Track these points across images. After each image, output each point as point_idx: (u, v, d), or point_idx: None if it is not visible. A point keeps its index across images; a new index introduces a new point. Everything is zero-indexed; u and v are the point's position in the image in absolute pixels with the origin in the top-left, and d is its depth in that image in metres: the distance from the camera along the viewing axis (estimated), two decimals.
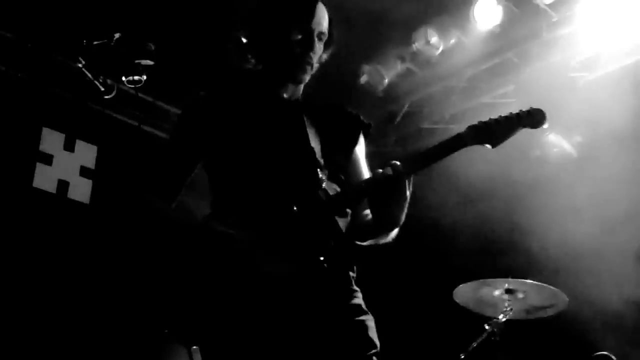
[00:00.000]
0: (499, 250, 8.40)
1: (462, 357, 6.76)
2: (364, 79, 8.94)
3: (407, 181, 3.40)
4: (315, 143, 3.69)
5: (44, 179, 7.78)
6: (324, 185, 3.57)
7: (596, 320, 7.66)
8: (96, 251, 7.64)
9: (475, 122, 3.47)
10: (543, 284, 6.88)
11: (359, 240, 3.74)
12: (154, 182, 3.76)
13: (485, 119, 3.47)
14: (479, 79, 9.03)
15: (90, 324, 7.30)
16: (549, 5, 7.94)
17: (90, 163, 8.17)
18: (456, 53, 8.63)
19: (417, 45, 8.54)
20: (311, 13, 3.73)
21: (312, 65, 3.76)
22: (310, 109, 3.85)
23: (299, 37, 3.69)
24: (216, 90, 3.88)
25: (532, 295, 6.97)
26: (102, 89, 5.98)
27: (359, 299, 3.61)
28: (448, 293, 7.21)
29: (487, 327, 6.87)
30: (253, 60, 3.87)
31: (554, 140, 8.44)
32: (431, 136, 9.56)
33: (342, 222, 3.62)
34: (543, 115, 3.46)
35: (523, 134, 3.50)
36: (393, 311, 7.03)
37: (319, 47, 3.76)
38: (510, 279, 6.90)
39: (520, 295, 6.96)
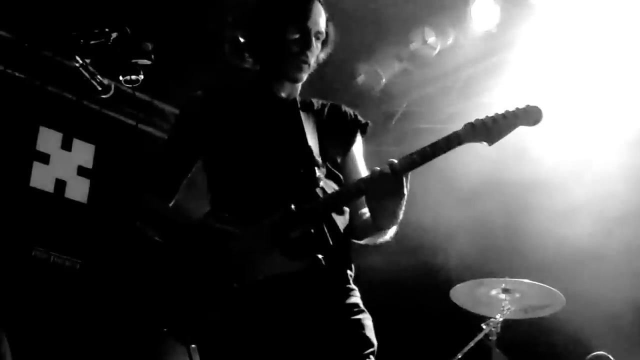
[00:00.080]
0: (496, 250, 8.41)
1: (459, 356, 6.77)
2: (361, 78, 8.93)
3: (404, 179, 3.40)
4: (312, 142, 3.69)
5: (41, 178, 7.78)
6: (321, 183, 3.58)
7: (593, 320, 7.67)
8: (94, 250, 7.64)
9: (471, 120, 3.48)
10: (540, 284, 6.89)
11: (356, 239, 3.76)
12: (152, 181, 3.78)
13: (482, 116, 3.47)
14: (476, 78, 9.02)
15: (89, 323, 7.30)
16: (546, 6, 7.93)
17: (88, 162, 8.18)
18: (453, 53, 8.62)
19: (415, 45, 8.54)
20: (308, 12, 3.74)
21: (309, 65, 3.76)
22: (307, 108, 3.86)
23: (297, 36, 3.70)
24: (214, 89, 3.88)
25: (529, 294, 6.97)
26: (99, 88, 5.97)
27: (356, 298, 3.61)
28: (445, 292, 7.22)
29: (484, 326, 6.88)
30: (250, 60, 3.87)
31: (552, 140, 8.44)
32: (428, 136, 9.46)
33: (339, 221, 3.63)
34: (540, 113, 3.47)
35: (520, 135, 3.51)
36: (390, 310, 7.02)
37: (316, 46, 3.76)
38: (507, 279, 6.91)
39: (517, 295, 6.97)
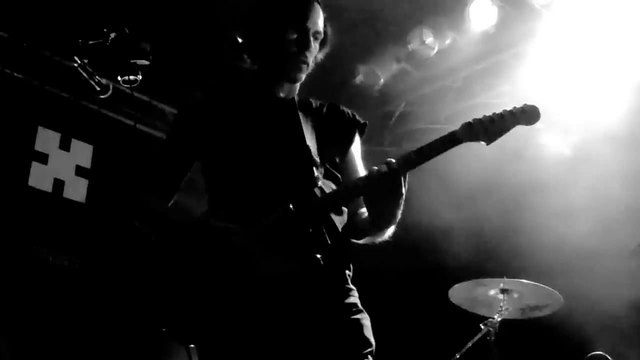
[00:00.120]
0: (495, 250, 8.41)
1: (458, 356, 6.77)
2: (359, 79, 8.94)
3: (402, 178, 3.40)
4: (311, 142, 3.70)
5: (40, 178, 7.78)
6: (319, 183, 3.58)
7: (591, 320, 7.67)
8: (92, 250, 7.65)
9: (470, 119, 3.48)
10: (538, 284, 6.89)
11: (355, 238, 3.76)
12: (151, 181, 3.79)
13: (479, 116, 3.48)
14: (474, 79, 9.03)
15: (88, 323, 7.30)
16: (544, 6, 7.94)
17: (86, 162, 8.18)
18: (451, 53, 8.64)
19: (413, 45, 8.55)
20: (307, 12, 3.74)
21: (307, 65, 3.76)
22: (306, 108, 3.87)
23: (295, 36, 3.70)
24: (213, 90, 3.89)
25: (527, 295, 6.98)
26: (98, 89, 5.97)
27: (354, 298, 3.62)
28: (443, 293, 7.22)
29: (482, 326, 6.88)
30: (249, 60, 3.88)
31: (549, 141, 8.45)
32: (426, 136, 9.50)
33: (338, 220, 3.63)
34: (537, 113, 3.47)
35: (519, 134, 3.51)
36: (389, 310, 7.02)
37: (314, 46, 3.76)
38: (505, 279, 6.91)
39: (516, 295, 6.97)
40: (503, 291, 6.95)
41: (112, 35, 5.51)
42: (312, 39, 3.73)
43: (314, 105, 3.91)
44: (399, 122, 9.82)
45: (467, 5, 8.10)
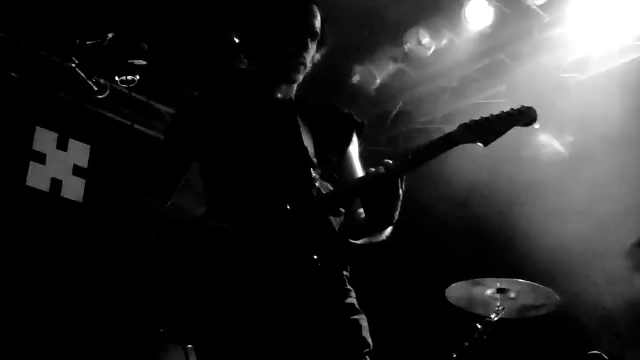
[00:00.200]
0: (492, 250, 8.42)
1: (455, 356, 6.78)
2: (356, 78, 8.95)
3: (399, 180, 3.41)
4: (308, 142, 3.71)
5: (38, 177, 7.80)
6: (317, 184, 3.59)
7: (588, 320, 7.68)
8: (89, 249, 7.66)
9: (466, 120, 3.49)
10: (535, 284, 6.90)
11: (352, 239, 3.74)
12: (149, 181, 3.78)
13: (476, 117, 3.49)
14: (470, 79, 9.05)
15: (86, 322, 7.30)
16: (540, 6, 7.96)
17: (83, 162, 8.19)
18: (448, 53, 8.65)
19: (409, 45, 8.56)
20: (304, 13, 3.75)
21: (305, 65, 3.77)
22: (303, 108, 3.87)
23: (292, 37, 3.71)
24: (210, 90, 3.89)
25: (524, 294, 6.98)
26: (95, 89, 5.99)
27: (352, 298, 3.63)
28: (440, 292, 7.23)
29: (479, 326, 6.89)
30: (246, 61, 3.88)
31: (546, 141, 8.46)
32: (423, 136, 9.59)
33: (335, 221, 3.64)
34: (534, 114, 3.48)
35: (515, 135, 3.53)
36: (386, 310, 7.04)
37: (311, 47, 3.76)
38: (502, 279, 6.91)
39: (512, 295, 6.97)
40: (500, 291, 6.94)
41: (110, 35, 5.53)
42: (309, 39, 3.73)
43: (311, 105, 3.91)
44: (395, 122, 9.83)
45: (463, 6, 8.11)
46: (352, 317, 3.56)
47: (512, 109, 3.49)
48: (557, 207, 7.85)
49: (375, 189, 3.42)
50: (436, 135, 3.46)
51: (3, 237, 7.20)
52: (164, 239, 3.64)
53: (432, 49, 8.52)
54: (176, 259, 3.52)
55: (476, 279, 7.00)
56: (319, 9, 3.82)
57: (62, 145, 8.08)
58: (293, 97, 3.89)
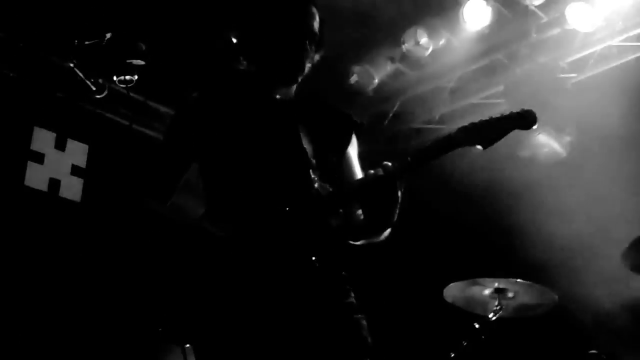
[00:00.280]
0: (489, 250, 8.43)
1: (452, 355, 6.79)
2: (353, 79, 8.94)
3: (398, 182, 3.42)
4: (307, 143, 3.71)
5: (36, 177, 7.78)
6: (316, 185, 3.59)
7: (586, 319, 7.70)
8: (88, 249, 7.66)
9: (465, 123, 3.49)
10: (533, 283, 6.91)
11: (351, 240, 3.76)
12: (148, 182, 3.78)
13: (475, 120, 3.49)
14: (468, 79, 9.05)
15: (84, 322, 7.31)
16: (538, 7, 7.97)
17: (82, 162, 8.18)
18: (446, 54, 8.66)
19: (407, 45, 8.56)
20: (302, 14, 3.76)
21: (304, 66, 3.77)
22: (302, 109, 3.87)
23: (291, 38, 3.71)
24: (209, 91, 3.89)
25: (522, 294, 6.99)
26: (94, 89, 6.00)
27: (351, 298, 3.64)
28: (438, 292, 7.24)
29: (477, 325, 6.90)
30: (245, 62, 3.89)
31: (544, 141, 8.47)
32: (421, 136, 9.60)
33: (334, 222, 3.65)
34: (534, 117, 3.47)
35: (513, 135, 3.53)
36: (384, 310, 7.05)
37: (310, 48, 3.77)
38: (500, 278, 6.93)
39: (510, 294, 6.98)
40: (498, 290, 6.96)
41: (108, 35, 5.54)
42: (307, 40, 3.74)
43: (310, 106, 3.91)
44: (393, 122, 9.82)
45: (461, 6, 8.12)
46: (351, 317, 3.57)
47: (511, 112, 3.48)
48: (555, 207, 7.87)
49: (374, 191, 3.43)
50: (435, 137, 3.48)
51: (1, 237, 7.20)
52: (163, 239, 3.65)
53: (430, 49, 8.52)
54: (175, 259, 3.53)
55: (474, 279, 7.01)
56: (317, 9, 3.83)
57: (60, 145, 8.07)
58: (292, 98, 3.89)
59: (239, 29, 3.87)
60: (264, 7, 3.80)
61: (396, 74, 9.10)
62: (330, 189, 3.65)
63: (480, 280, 6.99)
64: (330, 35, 3.90)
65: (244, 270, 3.41)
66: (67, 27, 6.83)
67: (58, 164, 7.99)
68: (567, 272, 7.66)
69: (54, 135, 8.04)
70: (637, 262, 6.13)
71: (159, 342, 6.59)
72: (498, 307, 6.93)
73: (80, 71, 5.80)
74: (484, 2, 8.01)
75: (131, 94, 7.71)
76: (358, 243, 3.79)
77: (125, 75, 5.69)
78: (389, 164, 3.39)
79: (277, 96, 3.84)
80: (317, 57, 3.87)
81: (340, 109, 3.99)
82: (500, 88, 8.66)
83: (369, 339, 3.56)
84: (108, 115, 8.35)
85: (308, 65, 3.81)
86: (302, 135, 3.72)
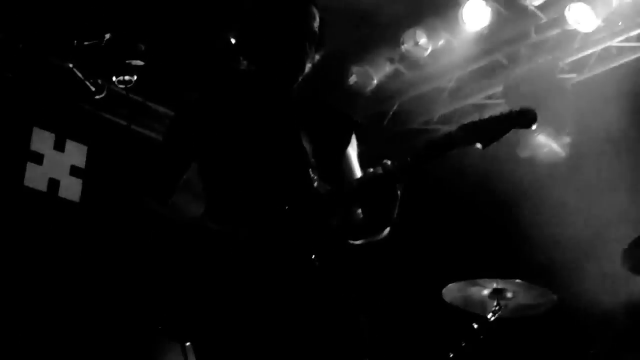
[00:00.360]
0: (488, 250, 8.43)
1: (451, 355, 6.79)
2: (352, 79, 8.94)
3: (397, 180, 3.42)
4: (307, 143, 3.71)
5: (35, 177, 7.79)
6: (315, 184, 3.60)
7: (585, 320, 7.69)
8: (87, 249, 7.66)
9: (465, 122, 3.49)
10: (531, 284, 6.91)
11: (351, 239, 3.77)
12: (148, 182, 3.79)
13: (475, 119, 3.49)
14: (467, 80, 9.05)
15: (83, 321, 7.31)
16: (538, 7, 7.97)
17: (81, 162, 8.19)
18: (445, 54, 8.66)
19: (406, 46, 8.56)
20: (303, 14, 3.76)
21: (304, 67, 3.78)
22: (302, 109, 3.87)
23: (291, 39, 3.71)
24: (209, 91, 3.89)
25: (521, 294, 6.99)
26: (93, 89, 5.99)
27: (351, 297, 3.64)
28: (437, 292, 7.24)
29: (475, 326, 6.90)
30: (245, 62, 3.89)
31: (543, 141, 8.46)
32: (420, 137, 9.60)
33: (333, 222, 3.65)
34: (533, 115, 3.46)
35: (513, 135, 3.53)
36: (383, 310, 7.05)
37: (310, 48, 3.77)
38: (499, 279, 6.93)
39: (509, 295, 6.98)
40: (497, 291, 6.96)
41: (107, 36, 5.53)
42: (308, 40, 3.74)
43: (310, 106, 3.91)
44: (392, 123, 9.83)
45: (460, 6, 8.12)
46: (350, 316, 3.57)
47: (511, 111, 3.47)
48: (555, 208, 7.87)
49: (373, 190, 3.43)
50: (434, 137, 3.47)
51: (1, 237, 7.20)
52: (163, 238, 3.65)
53: (429, 49, 8.52)
54: (175, 258, 3.53)
55: (473, 279, 7.01)
56: (317, 9, 3.83)
57: (59, 146, 8.07)
58: (292, 98, 3.89)
59: (239, 29, 3.87)
60: (264, 7, 3.80)
61: (395, 75, 9.09)
62: (330, 189, 3.65)
63: (479, 280, 6.98)
64: (329, 36, 3.90)
65: (243, 269, 3.41)
66: (66, 27, 6.83)
67: (57, 165, 7.99)
68: (567, 272, 7.66)
69: (53, 135, 8.04)
70: (636, 262, 6.12)
71: (159, 341, 6.59)
72: (497, 308, 6.92)
73: (80, 72, 5.78)
74: (484, 3, 8.01)
75: (130, 95, 7.72)
76: (358, 242, 3.79)
77: (124, 75, 5.69)
78: (389, 162, 3.39)
79: (277, 96, 3.83)
80: (317, 57, 3.87)
81: (340, 109, 3.99)
82: (500, 88, 8.67)
83: (369, 338, 3.56)
84: (107, 116, 8.35)
85: (308, 65, 3.81)
86: (301, 134, 3.73)
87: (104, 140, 8.30)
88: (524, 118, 3.47)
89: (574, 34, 8.06)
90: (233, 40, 3.89)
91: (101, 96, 6.12)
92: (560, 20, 7.94)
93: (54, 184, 7.92)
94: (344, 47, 7.99)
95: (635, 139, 7.65)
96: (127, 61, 5.67)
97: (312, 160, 3.68)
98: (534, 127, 3.46)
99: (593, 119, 7.69)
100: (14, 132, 7.71)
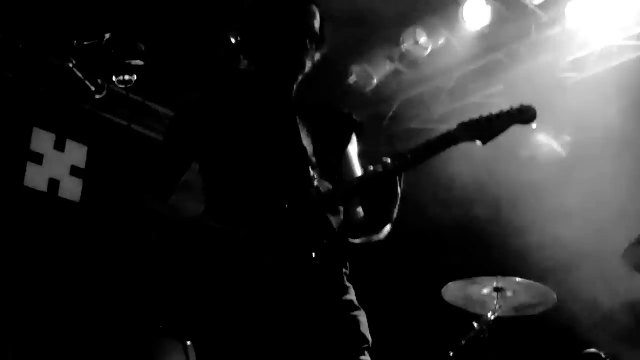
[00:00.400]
0: (488, 249, 8.43)
1: (451, 354, 6.79)
2: (353, 79, 8.95)
3: (397, 178, 3.42)
4: (307, 142, 3.72)
5: (35, 178, 7.80)
6: (315, 183, 3.60)
7: (585, 318, 7.70)
8: (87, 248, 7.67)
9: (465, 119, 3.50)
10: (531, 282, 6.91)
11: (351, 238, 3.77)
12: (148, 182, 3.80)
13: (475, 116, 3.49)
14: (467, 79, 9.04)
15: (84, 320, 7.31)
16: (538, 6, 7.97)
17: (81, 163, 8.20)
18: (445, 53, 8.66)
19: (406, 45, 8.56)
20: (303, 13, 3.76)
21: (304, 66, 3.78)
22: (302, 108, 3.88)
23: (292, 38, 3.72)
24: (210, 90, 3.90)
25: (521, 293, 6.99)
26: (93, 89, 5.98)
27: (351, 295, 3.65)
28: (437, 291, 7.24)
29: (475, 324, 6.90)
30: (245, 61, 3.89)
31: (544, 141, 8.47)
32: (420, 136, 9.58)
33: (334, 220, 3.65)
34: (533, 112, 3.46)
35: (513, 134, 3.53)
36: (383, 309, 7.04)
37: (311, 47, 3.77)
38: (499, 277, 6.92)
39: (509, 294, 6.98)
40: (497, 289, 6.96)
41: (107, 36, 5.52)
42: (308, 39, 3.75)
43: (311, 105, 3.92)
44: (392, 123, 9.83)
45: (461, 5, 8.11)
46: (350, 314, 3.58)
47: (511, 108, 3.48)
48: (555, 207, 7.87)
49: (373, 188, 3.43)
50: (434, 136, 3.47)
51: (1, 237, 7.21)
52: (164, 237, 3.66)
53: (429, 49, 8.52)
54: (176, 257, 3.53)
55: (473, 278, 7.01)
56: (318, 9, 3.83)
57: (59, 146, 8.08)
58: (293, 97, 3.89)
59: (240, 28, 3.87)
60: (265, 6, 3.80)
61: (395, 74, 9.09)
62: (330, 187, 3.66)
63: (479, 279, 6.98)
64: (329, 35, 3.90)
65: (244, 267, 3.41)
66: (66, 27, 6.82)
67: (57, 165, 8.00)
68: (567, 271, 7.67)
69: (54, 136, 8.05)
70: (638, 261, 6.11)
71: (160, 340, 6.59)
72: (497, 306, 6.93)
73: (80, 72, 5.77)
74: (484, 2, 8.02)
75: (130, 95, 7.73)
76: (358, 241, 3.79)
77: (124, 75, 5.68)
78: (389, 160, 3.39)
79: (278, 95, 3.84)
80: (317, 56, 3.87)
81: (341, 109, 3.99)
82: (500, 88, 8.67)
83: (368, 336, 3.56)
84: (107, 116, 8.36)
85: (309, 64, 3.81)
86: (302, 134, 3.73)
87: (104, 140, 8.31)
88: (524, 115, 3.47)
89: (574, 33, 8.05)
90: (233, 40, 3.89)
91: (101, 96, 6.11)
92: (561, 19, 7.94)
93: (54, 184, 7.92)
94: (344, 46, 7.98)
95: (636, 137, 7.64)
96: (127, 61, 5.67)
97: (313, 159, 3.68)
98: (533, 124, 3.46)
99: (593, 118, 7.69)
100: (14, 132, 7.72)
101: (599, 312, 7.66)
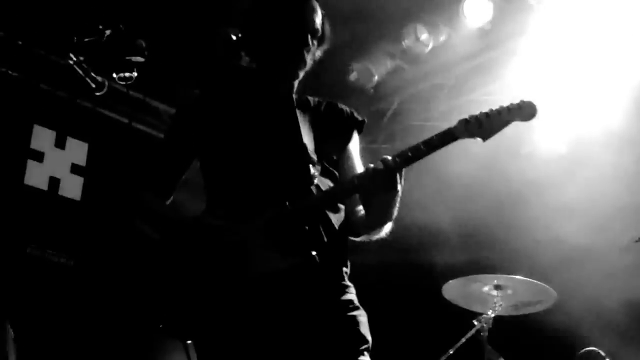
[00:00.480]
0: (489, 247, 8.43)
1: (451, 352, 6.79)
2: (353, 76, 8.94)
3: (398, 176, 3.42)
4: (308, 139, 3.71)
5: (36, 176, 7.80)
6: (316, 180, 3.59)
7: (584, 316, 7.70)
8: (87, 247, 7.66)
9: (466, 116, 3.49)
10: (532, 280, 6.90)
11: (352, 236, 3.77)
12: (150, 180, 3.80)
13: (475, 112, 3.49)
14: (468, 75, 9.03)
15: (85, 320, 7.31)
16: (539, 2, 7.95)
17: (81, 160, 8.19)
18: (446, 50, 8.64)
19: (407, 42, 8.55)
20: (305, 10, 3.76)
21: (306, 62, 3.77)
22: (303, 105, 3.88)
23: (293, 33, 3.71)
24: (210, 87, 3.89)
25: (521, 291, 6.99)
26: (93, 86, 5.97)
27: (351, 294, 3.64)
28: (437, 289, 7.24)
29: (475, 322, 6.90)
30: (247, 58, 3.89)
31: (544, 137, 8.46)
32: (421, 133, 9.56)
33: (334, 218, 3.65)
34: (534, 108, 3.47)
35: (514, 132, 3.53)
36: (383, 307, 7.04)
37: (312, 43, 3.77)
38: (499, 275, 6.92)
39: (509, 291, 6.98)
40: (497, 287, 6.96)
41: (108, 32, 5.52)
42: (309, 36, 3.74)
43: (311, 102, 3.92)
44: (393, 119, 9.82)
45: (461, 2, 8.10)
46: (350, 313, 3.57)
47: (511, 104, 3.48)
48: (555, 204, 7.87)
49: (374, 185, 3.42)
50: (435, 132, 3.46)
51: (1, 235, 7.20)
52: (164, 237, 3.65)
53: (430, 45, 8.51)
54: (176, 256, 3.53)
55: (473, 276, 7.01)
56: (319, 5, 3.83)
57: (60, 144, 8.08)
58: (294, 94, 3.88)
59: (241, 25, 3.87)
60: (266, 2, 3.80)
61: (396, 71, 9.08)
62: (331, 184, 3.65)
63: (480, 277, 6.98)
64: (330, 32, 3.90)
65: (243, 265, 3.40)
66: (66, 24, 6.82)
67: (58, 163, 8.00)
68: (567, 268, 7.67)
69: (54, 133, 8.05)
70: None
71: (161, 339, 6.59)
72: (497, 304, 6.92)
73: (80, 69, 5.76)
74: None
75: (130, 92, 7.73)
76: (359, 239, 3.79)
77: (124, 72, 5.68)
78: (389, 157, 3.39)
79: (279, 92, 3.84)
80: (319, 52, 3.87)
81: (342, 106, 3.99)
82: (501, 84, 8.65)
83: (368, 336, 3.56)
84: (107, 113, 8.36)
85: (310, 61, 3.81)
86: (303, 130, 3.73)
87: (104, 138, 8.30)
88: (524, 111, 3.47)
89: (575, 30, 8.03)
90: (234, 37, 3.88)
91: (102, 93, 6.10)
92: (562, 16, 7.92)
93: (54, 182, 7.92)
94: (345, 43, 7.97)
95: (637, 135, 7.64)
96: (127, 58, 5.66)
97: (314, 156, 3.67)
98: (534, 120, 3.46)
99: (594, 115, 7.68)
100: (14, 129, 7.71)
101: (599, 309, 7.66)
